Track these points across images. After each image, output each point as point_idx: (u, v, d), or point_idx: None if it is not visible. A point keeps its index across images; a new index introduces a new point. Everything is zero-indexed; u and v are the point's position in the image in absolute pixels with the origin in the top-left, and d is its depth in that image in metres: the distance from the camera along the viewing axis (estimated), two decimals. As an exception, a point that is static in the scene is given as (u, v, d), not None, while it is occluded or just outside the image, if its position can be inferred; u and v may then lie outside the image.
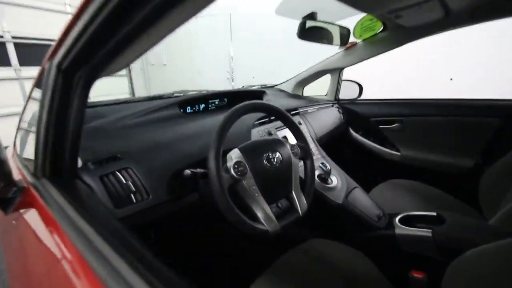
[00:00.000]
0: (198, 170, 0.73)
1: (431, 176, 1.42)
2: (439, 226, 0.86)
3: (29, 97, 0.91)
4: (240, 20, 4.22)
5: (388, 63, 2.57)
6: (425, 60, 2.90)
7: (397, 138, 1.58)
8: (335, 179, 1.11)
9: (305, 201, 0.81)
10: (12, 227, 0.76)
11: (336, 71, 1.66)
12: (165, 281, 0.30)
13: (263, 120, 1.16)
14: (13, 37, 3.42)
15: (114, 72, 0.54)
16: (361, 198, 1.09)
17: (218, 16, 4.26)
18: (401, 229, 0.93)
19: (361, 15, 1.20)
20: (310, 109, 1.48)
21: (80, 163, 0.66)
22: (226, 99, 1.29)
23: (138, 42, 0.41)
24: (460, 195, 1.14)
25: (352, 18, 1.24)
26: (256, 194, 0.71)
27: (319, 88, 1.85)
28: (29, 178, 0.66)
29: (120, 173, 0.69)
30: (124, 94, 5.00)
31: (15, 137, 1.10)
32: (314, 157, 1.00)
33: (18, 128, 1.07)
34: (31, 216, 0.55)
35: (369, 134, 1.68)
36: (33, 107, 0.73)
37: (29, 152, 0.72)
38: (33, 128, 0.66)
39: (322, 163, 1.09)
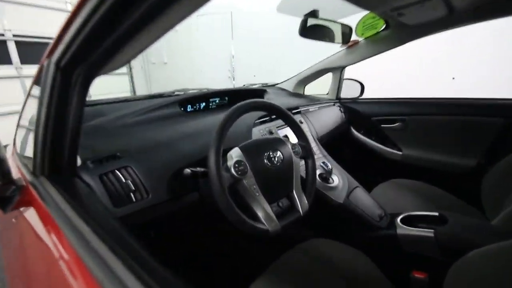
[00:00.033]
0: (198, 169, 0.72)
1: (433, 175, 1.42)
2: (442, 226, 0.85)
3: (28, 94, 0.91)
4: (241, 18, 4.21)
5: (389, 61, 2.56)
6: (427, 59, 2.89)
7: (398, 137, 1.57)
8: (336, 179, 1.11)
9: (306, 201, 0.81)
10: (11, 225, 0.75)
11: (337, 70, 1.65)
12: (161, 282, 0.30)
13: (264, 119, 1.15)
14: (14, 35, 3.43)
15: (113, 69, 0.53)
16: (362, 197, 1.08)
17: (219, 14, 4.25)
18: (403, 229, 0.92)
19: (363, 13, 1.19)
20: (311, 108, 1.47)
21: (79, 161, 0.66)
22: (227, 98, 1.29)
23: (137, 40, 0.41)
24: (462, 195, 1.13)
25: (354, 16, 1.23)
26: (257, 194, 0.71)
27: (321, 87, 1.84)
28: (28, 177, 0.65)
29: (120, 172, 0.68)
30: (125, 93, 5.00)
31: (15, 135, 1.10)
32: (315, 156, 0.99)
33: (18, 126, 1.06)
34: (30, 215, 0.55)
35: (371, 133, 1.67)
36: (33, 105, 0.73)
37: (29, 150, 0.71)
38: (32, 126, 0.66)
39: (323, 162, 1.08)
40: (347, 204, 1.03)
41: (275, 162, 0.76)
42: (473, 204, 1.08)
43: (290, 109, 1.32)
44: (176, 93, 1.26)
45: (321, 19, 1.17)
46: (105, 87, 4.37)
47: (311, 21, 1.15)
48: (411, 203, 1.12)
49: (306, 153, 0.88)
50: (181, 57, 4.84)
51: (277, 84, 1.83)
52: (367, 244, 0.97)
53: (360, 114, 1.68)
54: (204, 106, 1.20)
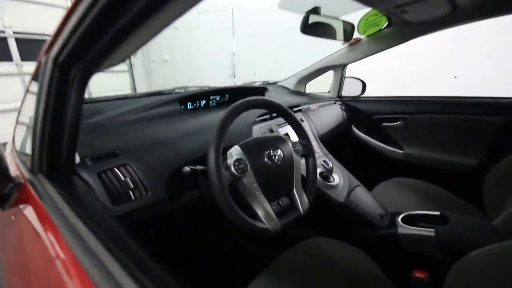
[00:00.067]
0: (198, 167, 0.72)
1: (434, 174, 1.41)
2: (443, 225, 0.85)
3: (27, 91, 0.90)
4: (242, 16, 4.19)
5: (390, 60, 2.54)
6: (428, 57, 2.87)
7: (400, 136, 1.56)
8: (337, 177, 1.10)
9: (306, 200, 0.80)
10: (11, 223, 0.75)
11: (339, 68, 1.64)
12: (158, 283, 0.29)
13: (265, 117, 1.14)
14: (15, 32, 3.42)
15: (112, 66, 0.52)
16: (363, 196, 1.08)
17: (220, 11, 4.23)
18: (404, 228, 0.91)
19: (365, 10, 1.17)
20: (312, 106, 1.47)
21: (78, 159, 0.65)
22: (227, 96, 1.28)
23: (134, 36, 0.40)
24: (463, 194, 1.13)
25: (357, 13, 1.22)
26: (257, 192, 0.70)
27: (320, 86, 1.83)
28: (26, 174, 0.65)
29: (119, 170, 0.68)
30: (126, 90, 5.00)
31: (14, 132, 1.09)
32: (316, 155, 0.98)
33: (16, 123, 1.06)
34: (28, 213, 0.54)
35: (372, 131, 1.67)
36: (31, 101, 0.72)
37: (27, 147, 0.71)
38: (31, 123, 0.65)
39: (324, 161, 1.08)
40: (348, 203, 1.02)
41: (275, 160, 0.76)
42: (474, 204, 1.08)
43: (291, 107, 1.31)
44: (176, 90, 1.25)
45: (323, 16, 1.16)
46: (106, 84, 4.37)
47: (312, 18, 1.13)
48: (412, 202, 1.11)
49: (307, 152, 0.87)
50: (182, 54, 4.82)
51: (278, 82, 1.82)
52: (368, 243, 0.96)
53: (362, 113, 1.67)
54: (204, 104, 1.19)
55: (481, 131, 1.31)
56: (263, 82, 1.77)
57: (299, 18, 1.15)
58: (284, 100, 1.43)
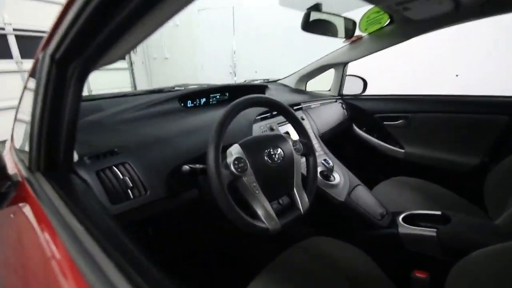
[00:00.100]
0: (197, 166, 0.71)
1: (435, 174, 1.40)
2: (444, 225, 0.84)
3: (25, 87, 0.89)
4: (243, 14, 4.17)
5: (390, 58, 2.52)
6: (429, 55, 2.85)
7: (401, 135, 1.55)
8: (338, 176, 1.09)
9: (306, 199, 0.79)
10: (8, 222, 0.75)
11: (340, 66, 1.63)
12: (154, 284, 0.29)
13: (265, 115, 1.14)
14: (15, 29, 3.41)
15: (110, 63, 0.52)
16: (364, 196, 1.07)
17: (220, 9, 4.21)
18: (405, 228, 0.91)
19: (367, 7, 1.16)
20: (313, 105, 1.46)
21: (76, 157, 0.65)
22: (227, 93, 1.27)
23: (132, 33, 0.39)
24: (465, 194, 1.12)
25: (358, 10, 1.20)
26: (257, 191, 0.69)
27: (318, 84, 1.82)
28: (24, 172, 0.64)
29: (117, 168, 0.67)
30: (127, 88, 5.00)
31: (12, 130, 1.08)
32: (317, 154, 0.97)
33: (15, 120, 1.05)
34: (25, 212, 0.54)
35: (373, 130, 1.66)
36: (29, 98, 0.71)
37: (25, 145, 0.70)
38: (29, 120, 0.65)
39: (325, 160, 1.07)
40: (349, 202, 1.02)
41: (275, 159, 0.75)
42: (475, 203, 1.07)
43: (292, 105, 1.31)
44: (176, 88, 1.24)
45: (324, 13, 1.15)
46: (107, 82, 4.36)
47: (314, 15, 1.12)
48: (413, 201, 1.10)
49: (307, 150, 0.86)
50: (182, 52, 4.81)
51: (279, 80, 1.81)
52: (368, 243, 0.96)
53: (363, 111, 1.66)
54: (204, 102, 1.19)
55: (483, 130, 1.30)
56: (264, 80, 1.76)
57: (300, 15, 1.14)
58: (284, 98, 1.42)
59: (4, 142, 1.12)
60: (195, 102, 1.15)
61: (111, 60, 0.49)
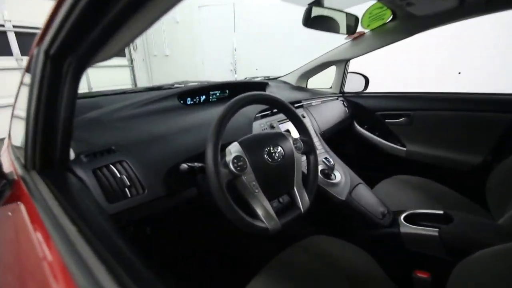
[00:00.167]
0: (196, 164, 0.70)
1: (437, 172, 1.39)
2: (446, 225, 0.83)
3: (21, 83, 0.88)
4: (244, 11, 4.14)
5: (391, 55, 2.50)
6: (431, 52, 2.83)
7: (403, 133, 1.54)
8: (339, 175, 1.08)
9: (307, 198, 0.78)
10: (5, 220, 0.74)
11: (341, 63, 1.61)
12: (145, 286, 0.28)
13: (265, 113, 1.13)
14: (14, 26, 3.39)
15: (106, 59, 0.50)
16: (365, 194, 1.06)
17: (221, 5, 4.18)
18: (406, 228, 0.90)
19: (370, 2, 1.14)
20: (314, 102, 1.44)
21: (72, 155, 0.64)
22: (227, 91, 1.25)
23: (126, 28, 0.38)
24: (467, 193, 1.11)
25: (361, 6, 1.19)
26: (256, 191, 0.68)
27: (318, 82, 1.80)
28: (20, 171, 0.63)
29: (115, 167, 0.66)
30: (127, 85, 4.99)
31: (9, 126, 1.07)
32: (318, 152, 0.96)
33: (12, 117, 1.03)
34: (20, 211, 0.53)
35: (375, 128, 1.64)
36: (25, 94, 0.70)
37: (22, 142, 0.69)
38: (24, 117, 0.63)
39: (326, 158, 1.06)
40: (350, 201, 1.01)
41: (275, 157, 0.74)
42: (478, 202, 1.06)
43: (292, 102, 1.29)
44: (175, 85, 1.23)
45: (326, 8, 1.13)
46: (107, 79, 4.36)
47: (315, 11, 1.10)
48: (414, 200, 1.09)
49: (308, 148, 0.85)
50: (183, 49, 4.79)
51: (280, 77, 1.79)
52: (369, 242, 0.95)
53: (364, 109, 1.64)
54: (204, 99, 1.17)
55: (486, 128, 1.28)
56: (264, 77, 1.75)
57: (301, 11, 1.13)
58: (285, 95, 1.41)
59: (3, 140, 1.11)
60: (194, 100, 1.14)
61: (106, 57, 0.48)
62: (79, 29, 0.42)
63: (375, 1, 1.09)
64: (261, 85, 1.47)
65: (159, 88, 1.17)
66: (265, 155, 0.72)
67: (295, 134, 0.89)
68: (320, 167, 1.04)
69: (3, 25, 3.30)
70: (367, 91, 1.67)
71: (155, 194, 0.69)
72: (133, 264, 0.32)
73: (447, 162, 1.39)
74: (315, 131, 1.28)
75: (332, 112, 1.52)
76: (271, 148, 0.74)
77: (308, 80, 1.76)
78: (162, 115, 0.96)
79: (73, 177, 0.59)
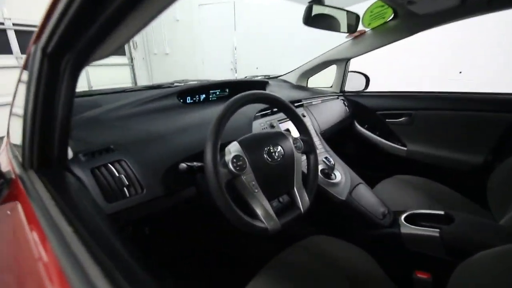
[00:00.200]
0: (195, 163, 0.69)
1: (438, 172, 1.38)
2: (447, 225, 0.83)
3: (19, 80, 0.87)
4: (244, 9, 4.12)
5: (392, 54, 2.49)
6: (432, 52, 2.82)
7: (403, 132, 1.53)
8: (339, 174, 1.08)
9: (307, 198, 0.78)
10: (5, 218, 0.73)
11: (342, 62, 1.60)
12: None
13: (265, 112, 1.12)
14: (14, 24, 3.38)
15: (103, 57, 0.50)
16: (365, 194, 1.06)
17: (221, 4, 4.17)
18: (407, 228, 0.89)
19: (371, 1, 1.13)
20: (314, 101, 1.44)
21: (70, 154, 0.63)
22: (227, 90, 1.25)
23: (124, 26, 0.37)
24: (468, 193, 1.10)
25: (362, 5, 1.18)
26: (256, 190, 0.68)
27: (319, 81, 1.79)
28: (17, 169, 0.62)
29: (113, 166, 0.66)
30: (127, 84, 4.98)
31: (8, 124, 1.06)
32: (318, 151, 0.96)
33: (10, 114, 1.02)
34: (17, 211, 0.52)
35: (375, 128, 1.64)
36: (23, 91, 0.69)
37: (20, 140, 0.69)
38: (22, 114, 0.63)
39: (326, 158, 1.06)
40: (350, 201, 1.00)
41: (275, 157, 0.73)
42: (479, 203, 1.05)
43: (293, 102, 1.29)
44: (175, 84, 1.22)
45: (327, 6, 1.12)
46: (108, 78, 4.35)
47: (316, 9, 1.09)
48: (415, 200, 1.09)
49: (308, 148, 0.84)
50: (183, 48, 4.78)
51: (280, 76, 1.78)
52: (369, 242, 0.94)
53: (365, 108, 1.64)
54: (204, 98, 1.16)
55: (487, 128, 1.28)
56: (265, 76, 1.74)
57: (302, 10, 1.12)
58: (285, 94, 1.40)
59: (2, 138, 1.10)
60: (194, 98, 1.13)
61: (104, 55, 0.48)
62: (76, 27, 0.41)
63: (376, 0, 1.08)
64: (261, 84, 1.47)
65: (158, 86, 1.17)
66: (265, 155, 0.72)
67: (295, 133, 0.89)
68: (320, 167, 1.04)
69: (2, 23, 3.28)
70: (367, 90, 1.66)
71: (154, 194, 0.69)
72: (130, 266, 0.31)
73: (448, 162, 1.39)
74: (315, 131, 1.28)
75: (332, 111, 1.52)
76: (271, 148, 0.73)
77: (308, 79, 1.75)
78: (162, 114, 0.95)
79: (71, 176, 0.58)
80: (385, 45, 1.31)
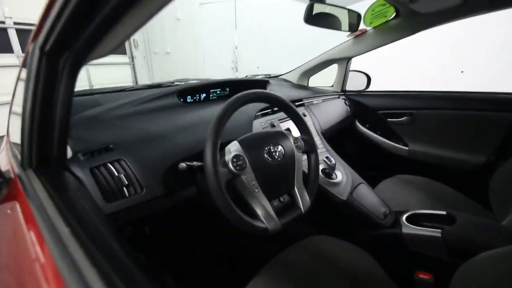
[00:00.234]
0: (195, 163, 0.69)
1: (440, 172, 1.38)
2: (449, 226, 0.82)
3: (18, 78, 0.87)
4: (245, 8, 4.11)
5: (392, 52, 2.48)
6: (434, 51, 2.80)
7: (405, 132, 1.52)
8: (340, 174, 1.07)
9: (308, 198, 0.77)
10: (5, 217, 0.73)
11: (343, 61, 1.59)
12: None
13: (266, 111, 1.11)
14: (15, 23, 3.38)
15: (102, 56, 0.49)
16: (366, 194, 1.05)
17: (222, 2, 4.16)
18: (409, 228, 0.89)
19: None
20: (315, 100, 1.43)
21: (70, 153, 0.63)
22: (228, 89, 1.24)
23: (122, 24, 0.37)
24: (470, 193, 1.10)
25: (363, 3, 1.17)
26: (256, 190, 0.67)
27: (328, 79, 1.79)
28: (16, 169, 0.62)
29: (112, 165, 0.65)
30: (128, 83, 4.98)
31: (8, 122, 1.05)
32: (319, 151, 0.95)
33: (10, 113, 1.02)
34: (15, 211, 0.52)
35: (376, 127, 1.63)
36: (22, 89, 0.69)
37: (19, 139, 0.68)
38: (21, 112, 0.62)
39: (327, 157, 1.05)
40: (351, 201, 1.00)
41: (276, 157, 0.73)
42: (481, 203, 1.04)
43: (293, 101, 1.28)
44: (176, 83, 1.21)
45: (328, 5, 1.11)
46: (108, 77, 4.35)
47: (317, 8, 1.09)
48: (416, 200, 1.08)
49: (309, 148, 0.84)
50: (184, 47, 4.78)
51: (281, 75, 1.78)
52: (371, 243, 0.94)
53: (366, 108, 1.63)
54: (204, 97, 1.16)
55: (490, 128, 1.27)
56: (265, 75, 1.74)
57: (303, 9, 1.11)
58: (286, 93, 1.39)
59: (2, 137, 1.09)
60: (194, 98, 1.12)
61: (103, 54, 0.47)
62: (73, 25, 0.41)
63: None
64: (262, 83, 1.46)
65: (158, 85, 1.16)
66: (265, 154, 0.71)
67: (296, 133, 0.88)
68: (321, 167, 1.03)
69: (3, 22, 3.28)
70: (369, 89, 1.66)
71: (153, 193, 0.68)
72: (127, 268, 0.31)
73: (449, 161, 1.38)
74: (316, 130, 1.27)
75: (333, 110, 1.51)
76: (272, 147, 0.73)
77: (309, 79, 1.75)
78: (162, 113, 0.95)
79: (70, 175, 0.58)
80: (387, 44, 1.30)
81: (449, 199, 1.07)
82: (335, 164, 1.05)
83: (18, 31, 3.42)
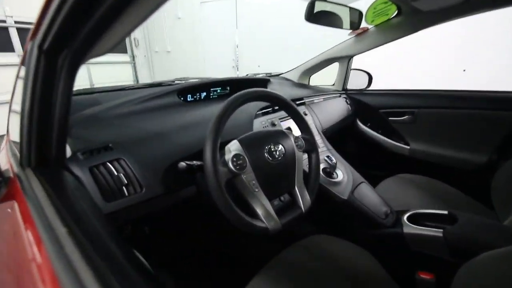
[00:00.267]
0: (194, 162, 0.68)
1: (441, 171, 1.37)
2: (451, 225, 0.81)
3: (17, 76, 0.86)
4: (246, 7, 4.10)
5: (393, 51, 2.46)
6: (436, 49, 2.78)
7: (406, 131, 1.52)
8: (341, 173, 1.07)
9: (308, 197, 0.77)
10: (5, 216, 0.73)
11: (344, 59, 1.59)
12: None
13: (267, 110, 1.11)
14: (16, 22, 3.38)
15: (101, 55, 0.49)
16: (368, 193, 1.04)
17: (223, 1, 4.14)
18: (410, 228, 0.88)
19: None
20: (316, 99, 1.42)
21: (69, 152, 0.62)
22: (228, 87, 1.24)
23: (120, 22, 0.37)
24: (471, 193, 1.09)
25: (365, 1, 1.16)
26: (256, 190, 0.67)
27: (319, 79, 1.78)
28: (15, 168, 0.62)
29: (112, 164, 0.65)
30: (129, 82, 4.97)
31: (8, 121, 1.05)
32: (319, 150, 0.94)
33: (9, 112, 1.02)
34: (14, 210, 0.52)
35: (378, 126, 1.62)
36: (21, 88, 0.69)
37: (18, 138, 0.68)
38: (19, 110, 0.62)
39: (328, 156, 1.04)
40: (352, 201, 0.99)
41: (276, 156, 0.72)
42: (483, 202, 1.04)
43: (294, 100, 1.27)
44: (176, 82, 1.21)
45: (329, 3, 1.10)
46: (109, 76, 4.35)
47: (318, 6, 1.08)
48: (418, 199, 1.08)
49: (310, 147, 0.83)
50: (185, 45, 4.77)
51: (282, 74, 1.77)
52: (372, 242, 0.93)
53: (367, 106, 1.62)
54: (204, 96, 1.15)
55: (491, 126, 1.26)
56: (266, 74, 1.73)
57: (304, 8, 1.10)
58: (287, 92, 1.39)
59: (3, 136, 1.09)
60: (195, 96, 1.12)
61: (101, 52, 0.47)
62: (71, 23, 0.41)
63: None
64: (263, 81, 1.46)
65: (159, 84, 1.16)
66: (266, 154, 0.71)
67: (296, 132, 0.88)
68: (322, 166, 1.03)
69: (4, 21, 3.28)
70: (370, 88, 1.65)
71: (153, 193, 0.68)
72: (124, 269, 0.31)
73: (451, 160, 1.37)
74: (317, 129, 1.27)
75: (334, 109, 1.50)
76: (272, 146, 0.72)
77: (310, 77, 1.74)
78: (162, 112, 0.94)
79: (69, 175, 0.58)
80: (388, 42, 1.29)
81: (450, 199, 1.07)
82: (336, 163, 1.04)
83: (19, 30, 3.42)
